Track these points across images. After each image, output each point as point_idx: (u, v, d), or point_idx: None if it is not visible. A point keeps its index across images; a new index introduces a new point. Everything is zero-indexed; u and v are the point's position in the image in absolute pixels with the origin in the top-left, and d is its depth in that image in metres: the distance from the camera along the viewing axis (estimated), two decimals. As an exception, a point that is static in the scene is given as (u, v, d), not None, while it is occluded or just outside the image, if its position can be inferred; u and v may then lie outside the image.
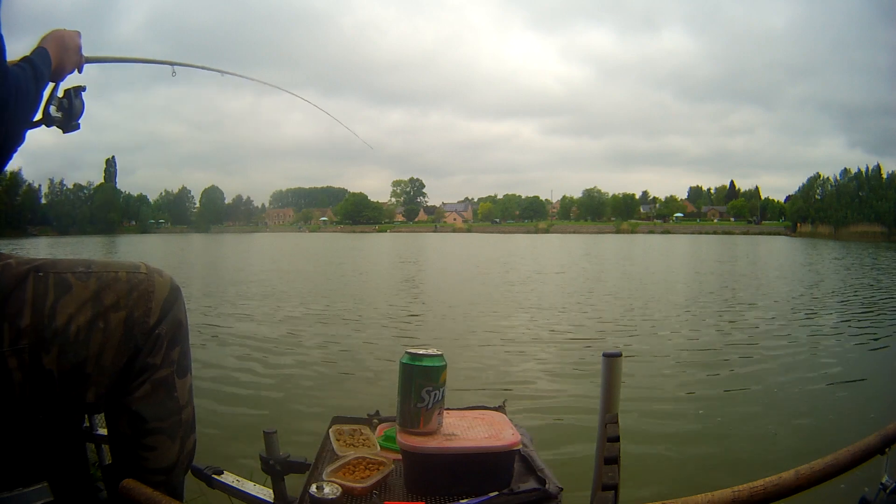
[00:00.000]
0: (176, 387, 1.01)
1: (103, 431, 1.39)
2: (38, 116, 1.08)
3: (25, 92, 0.95)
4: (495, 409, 1.32)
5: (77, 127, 1.16)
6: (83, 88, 1.16)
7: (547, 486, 1.01)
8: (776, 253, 28.68)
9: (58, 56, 1.07)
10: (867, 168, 72.20)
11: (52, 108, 1.11)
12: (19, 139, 0.98)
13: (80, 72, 1.16)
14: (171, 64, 1.50)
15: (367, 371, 4.88)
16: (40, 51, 1.04)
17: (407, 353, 1.07)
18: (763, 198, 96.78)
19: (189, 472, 1.10)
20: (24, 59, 0.99)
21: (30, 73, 0.97)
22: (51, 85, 1.09)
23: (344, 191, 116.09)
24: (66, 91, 1.14)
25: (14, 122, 0.94)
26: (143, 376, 0.97)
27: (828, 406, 3.99)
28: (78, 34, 1.14)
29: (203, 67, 1.61)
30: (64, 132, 1.15)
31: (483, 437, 1.06)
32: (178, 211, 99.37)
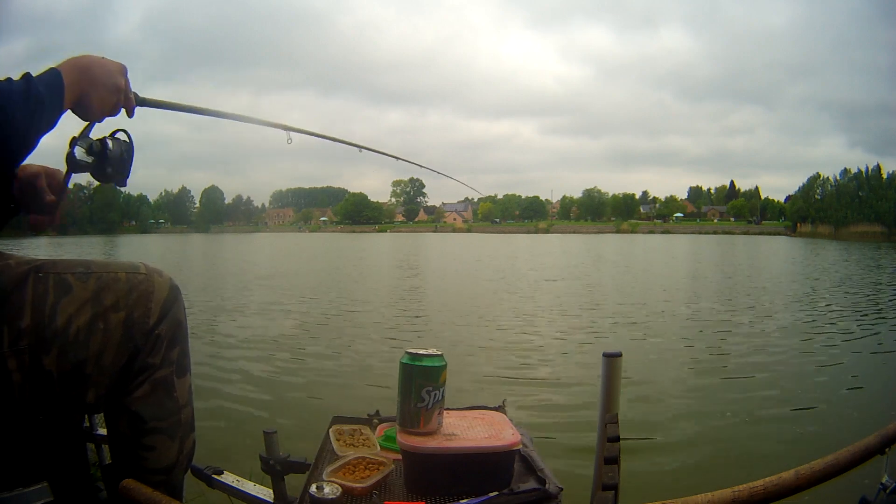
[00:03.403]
0: (175, 387, 1.01)
1: (103, 431, 1.40)
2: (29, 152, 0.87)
3: (8, 114, 0.77)
4: (495, 409, 1.32)
5: (119, 180, 0.96)
6: (125, 134, 0.97)
7: (547, 486, 1.01)
8: (776, 253, 28.67)
9: (78, 85, 0.87)
10: (867, 168, 72.27)
11: (79, 150, 0.91)
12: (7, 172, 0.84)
13: (129, 115, 0.96)
14: (286, 129, 1.26)
15: (367, 371, 4.87)
16: (51, 72, 0.85)
17: (407, 353, 1.07)
18: (763, 198, 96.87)
19: (189, 472, 1.10)
20: (24, 75, 0.82)
21: (19, 88, 0.79)
22: (83, 124, 0.92)
23: (344, 191, 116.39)
24: (113, 133, 0.96)
25: None
26: (143, 376, 0.97)
27: (828, 406, 3.99)
28: (122, 68, 0.92)
29: (321, 137, 1.40)
30: (101, 182, 0.95)
31: (483, 437, 1.06)
32: (178, 211, 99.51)
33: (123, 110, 0.95)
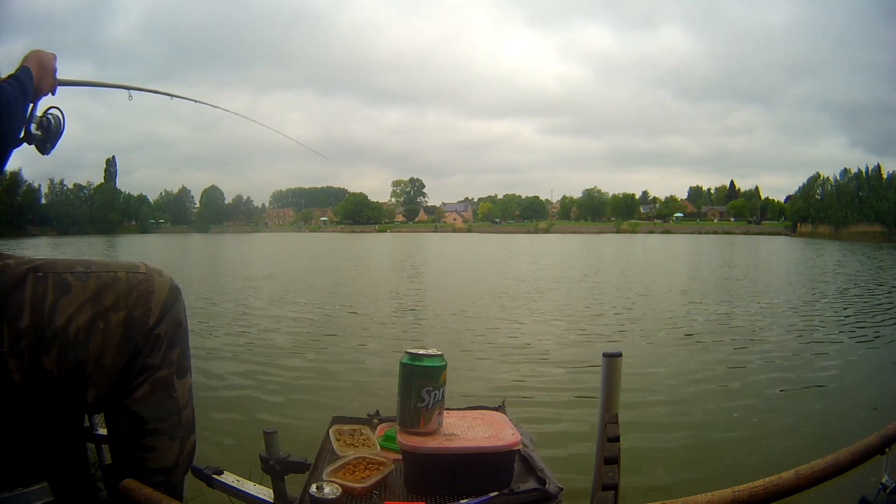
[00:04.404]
0: (175, 387, 1.01)
1: (103, 431, 1.40)
2: (20, 135, 1.09)
3: (15, 108, 0.99)
4: (495, 409, 1.32)
5: (50, 149, 1.15)
6: (57, 111, 1.16)
7: (547, 486, 1.01)
8: (777, 253, 28.67)
9: (38, 76, 1.09)
10: (867, 168, 71.96)
11: (33, 127, 1.11)
12: (5, 156, 0.99)
13: (53, 94, 1.17)
14: (128, 88, 1.56)
15: (367, 371, 4.87)
16: (24, 69, 1.06)
17: (407, 353, 1.07)
18: (763, 198, 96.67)
19: (189, 472, 1.10)
20: (11, 76, 1.02)
21: (17, 89, 1.00)
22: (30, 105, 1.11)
23: (344, 191, 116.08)
24: (46, 111, 1.14)
25: (3, 135, 0.96)
26: (143, 377, 0.97)
27: (828, 406, 3.99)
28: (54, 56, 1.15)
29: (155, 91, 1.67)
30: (41, 153, 1.15)
31: (483, 437, 1.06)
32: (178, 211, 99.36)
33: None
